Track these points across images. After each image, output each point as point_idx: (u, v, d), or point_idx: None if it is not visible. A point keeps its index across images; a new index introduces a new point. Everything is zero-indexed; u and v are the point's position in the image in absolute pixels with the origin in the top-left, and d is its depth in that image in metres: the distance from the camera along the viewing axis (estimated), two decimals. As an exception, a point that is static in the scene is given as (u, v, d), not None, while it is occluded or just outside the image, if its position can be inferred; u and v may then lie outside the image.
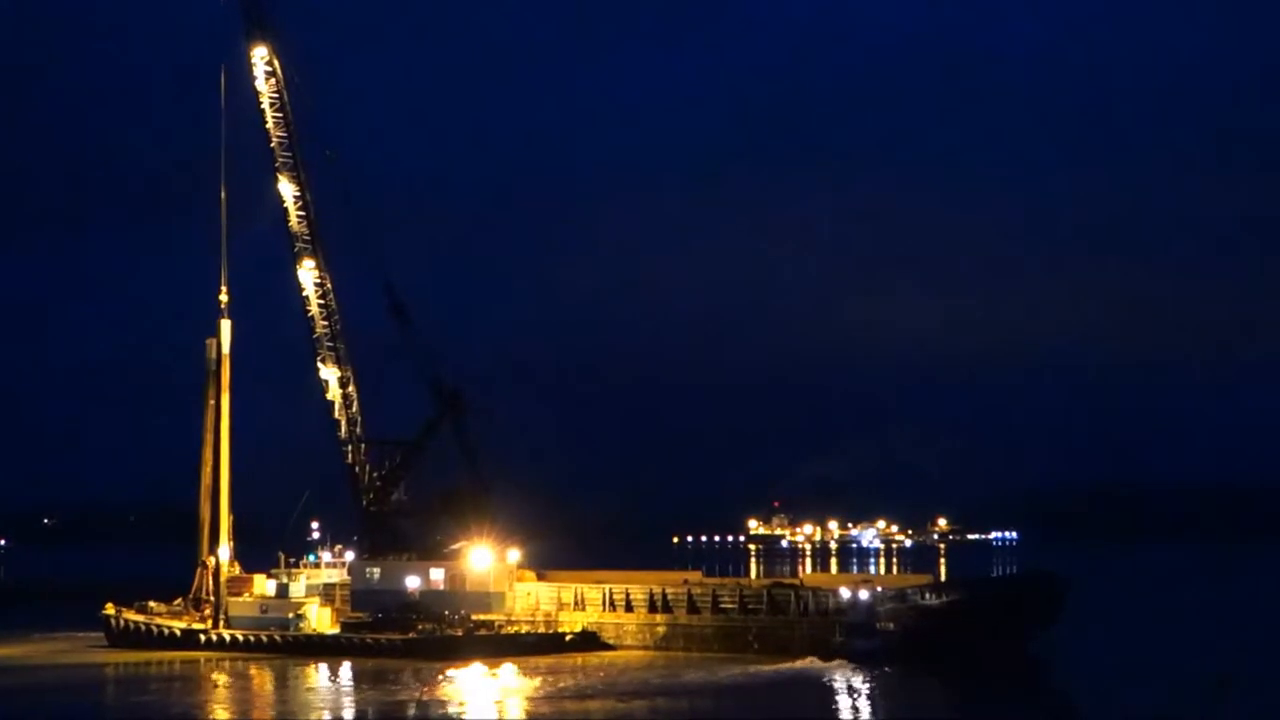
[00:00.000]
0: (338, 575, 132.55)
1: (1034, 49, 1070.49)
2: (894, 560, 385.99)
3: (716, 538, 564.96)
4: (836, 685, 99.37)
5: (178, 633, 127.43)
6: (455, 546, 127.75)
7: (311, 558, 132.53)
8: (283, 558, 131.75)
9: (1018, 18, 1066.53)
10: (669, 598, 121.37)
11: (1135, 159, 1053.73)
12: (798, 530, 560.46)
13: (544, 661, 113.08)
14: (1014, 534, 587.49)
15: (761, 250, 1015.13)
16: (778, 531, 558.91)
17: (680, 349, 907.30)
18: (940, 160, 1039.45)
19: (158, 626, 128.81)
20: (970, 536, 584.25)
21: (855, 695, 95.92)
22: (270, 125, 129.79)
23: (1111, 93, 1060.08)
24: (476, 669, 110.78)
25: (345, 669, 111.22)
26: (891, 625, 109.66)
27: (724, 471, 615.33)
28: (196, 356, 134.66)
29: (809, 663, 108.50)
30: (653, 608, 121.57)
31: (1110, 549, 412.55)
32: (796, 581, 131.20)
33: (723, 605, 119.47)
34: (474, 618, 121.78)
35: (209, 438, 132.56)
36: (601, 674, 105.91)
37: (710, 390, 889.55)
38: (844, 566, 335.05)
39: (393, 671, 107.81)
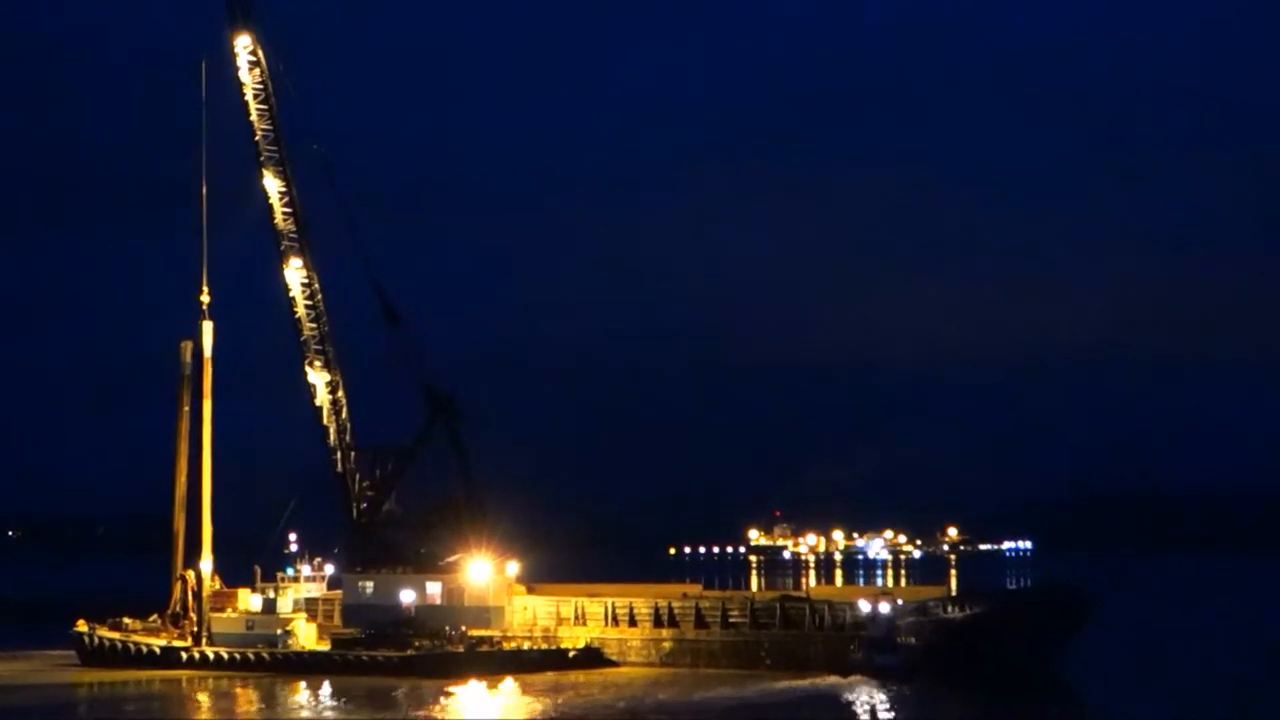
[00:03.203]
0: (317, 589, 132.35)
1: (1053, 40, 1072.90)
2: (902, 572, 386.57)
3: (715, 549, 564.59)
4: (857, 703, 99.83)
5: (157, 650, 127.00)
6: (452, 559, 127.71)
7: (289, 571, 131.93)
8: (258, 571, 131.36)
9: (1038, 8, 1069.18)
10: (675, 612, 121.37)
11: (1154, 156, 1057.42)
12: (800, 541, 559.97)
13: (546, 679, 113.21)
14: (1028, 544, 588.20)
15: (762, 250, 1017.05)
16: (779, 542, 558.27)
17: (678, 353, 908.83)
18: (953, 157, 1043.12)
19: (134, 644, 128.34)
20: (982, 547, 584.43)
21: (877, 713, 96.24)
22: (254, 118, 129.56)
23: (1132, 86, 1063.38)
24: (475, 688, 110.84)
25: (338, 688, 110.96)
26: (913, 640, 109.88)
27: (723, 480, 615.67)
28: (171, 360, 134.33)
29: (827, 679, 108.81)
30: (658, 622, 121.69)
31: (1129, 559, 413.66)
32: (803, 594, 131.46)
33: (732, 620, 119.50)
34: (471, 633, 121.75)
35: (183, 445, 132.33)
36: (608, 693, 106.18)
37: (710, 396, 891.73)
38: (850, 578, 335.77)
39: (388, 690, 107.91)
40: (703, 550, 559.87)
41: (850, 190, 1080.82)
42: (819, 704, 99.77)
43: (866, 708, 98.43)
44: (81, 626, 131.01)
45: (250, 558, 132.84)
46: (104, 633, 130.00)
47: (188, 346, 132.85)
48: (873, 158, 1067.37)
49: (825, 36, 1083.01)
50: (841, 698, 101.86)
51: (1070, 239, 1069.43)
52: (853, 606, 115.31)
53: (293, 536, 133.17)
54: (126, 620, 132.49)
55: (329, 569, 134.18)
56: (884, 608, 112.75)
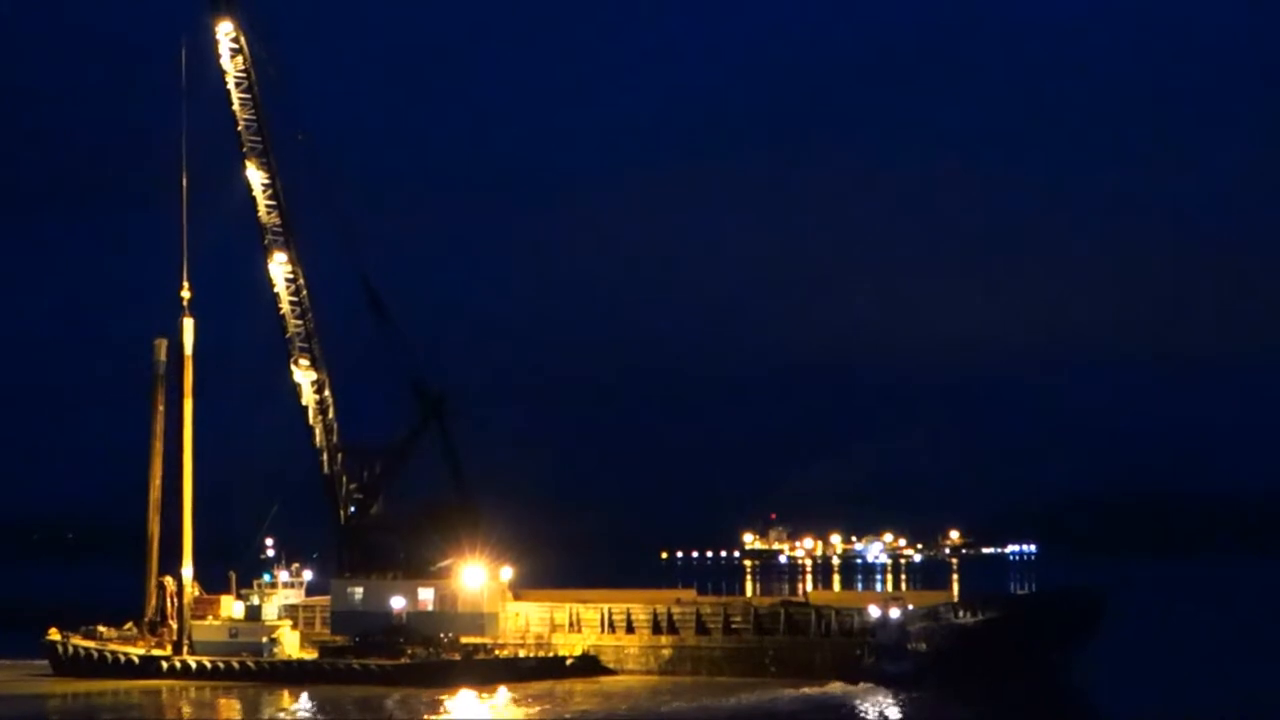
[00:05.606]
0: (296, 596, 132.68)
1: (1073, 27, 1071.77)
2: (903, 576, 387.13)
3: (709, 553, 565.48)
4: (866, 711, 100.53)
5: (135, 660, 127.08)
6: (444, 564, 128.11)
7: (267, 577, 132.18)
8: (234, 577, 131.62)
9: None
10: (674, 618, 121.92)
11: (1168, 153, 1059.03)
12: (797, 544, 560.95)
13: (541, 688, 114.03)
14: (1032, 547, 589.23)
15: (758, 250, 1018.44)
16: (775, 546, 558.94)
17: (673, 354, 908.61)
18: (954, 154, 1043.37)
19: (111, 653, 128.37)
20: (985, 550, 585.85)
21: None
22: (236, 107, 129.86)
23: (1138, 80, 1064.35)
24: (468, 696, 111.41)
25: (328, 698, 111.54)
26: (923, 646, 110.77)
27: (718, 483, 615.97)
28: (145, 358, 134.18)
29: (834, 687, 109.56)
30: (656, 629, 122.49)
31: (1135, 563, 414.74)
32: (803, 599, 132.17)
33: (735, 626, 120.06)
34: (462, 640, 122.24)
35: (158, 446, 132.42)
36: (609, 702, 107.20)
37: (704, 396, 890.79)
38: (848, 583, 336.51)
39: (379, 700, 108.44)
40: (696, 555, 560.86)
41: (849, 188, 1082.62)
42: (829, 712, 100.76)
43: (878, 715, 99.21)
44: (54, 635, 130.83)
45: (226, 563, 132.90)
46: (78, 641, 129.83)
47: (162, 344, 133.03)
48: (873, 155, 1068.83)
49: (822, 32, 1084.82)
50: (852, 705, 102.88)
51: (1079, 235, 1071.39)
52: (861, 612, 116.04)
53: (269, 541, 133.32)
54: (101, 628, 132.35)
55: (307, 575, 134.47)
56: (894, 613, 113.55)
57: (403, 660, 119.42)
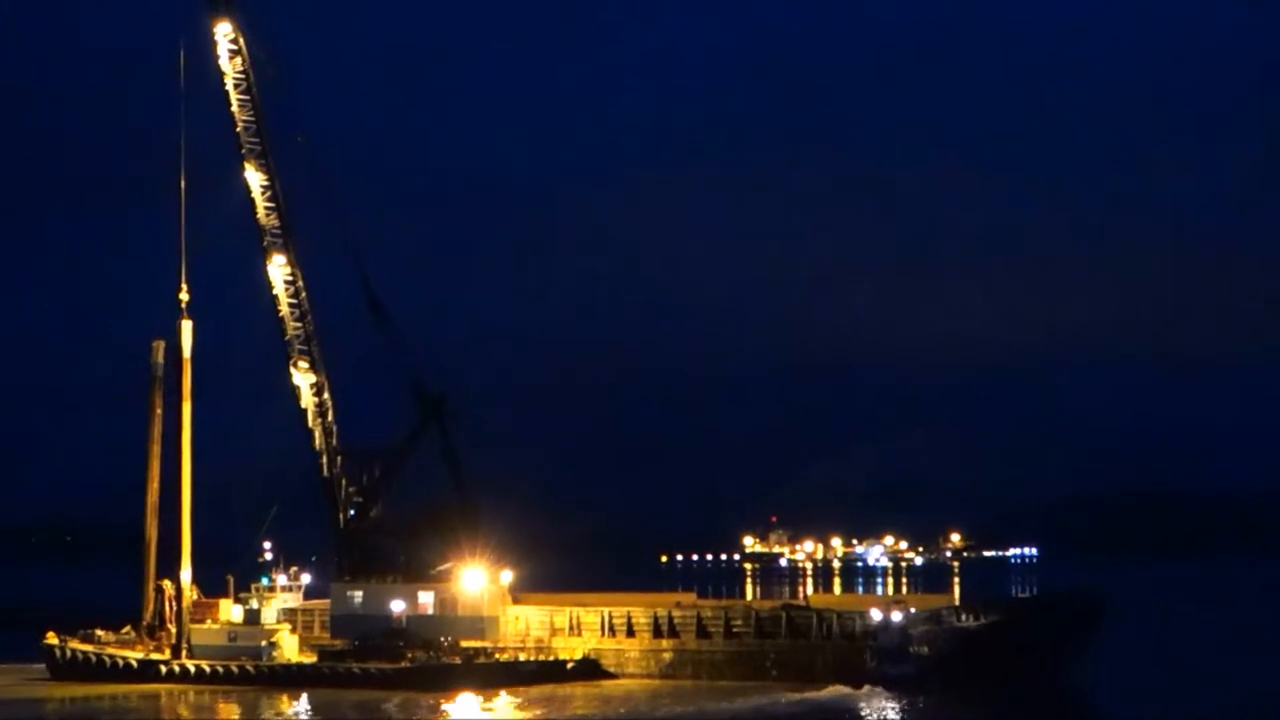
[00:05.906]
0: (294, 599, 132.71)
1: (1073, 27, 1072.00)
2: (904, 579, 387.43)
3: (708, 556, 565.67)
4: (868, 714, 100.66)
5: (134, 664, 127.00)
6: (444, 567, 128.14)
7: (265, 581, 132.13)
8: (232, 581, 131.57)
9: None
10: (675, 621, 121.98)
11: (1171, 152, 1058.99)
12: (798, 548, 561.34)
13: (542, 692, 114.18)
14: (1034, 550, 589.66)
15: (758, 252, 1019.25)
16: (775, 549, 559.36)
17: (673, 351, 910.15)
18: (955, 155, 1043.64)
19: (109, 657, 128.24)
20: (986, 553, 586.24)
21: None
22: (235, 108, 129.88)
23: (1151, 74, 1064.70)
24: (468, 700, 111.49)
25: (327, 702, 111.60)
26: (925, 649, 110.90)
27: (717, 483, 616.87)
28: (143, 360, 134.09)
29: (836, 690, 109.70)
30: (657, 632, 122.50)
31: (1135, 563, 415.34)
32: (803, 603, 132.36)
33: (736, 629, 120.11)
34: (462, 644, 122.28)
35: (155, 449, 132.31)
36: (607, 705, 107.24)
37: (704, 396, 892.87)
38: (849, 586, 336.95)
39: (379, 704, 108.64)
40: (695, 558, 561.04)
41: (849, 188, 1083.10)
42: (830, 715, 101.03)
43: (879, 719, 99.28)
44: (52, 639, 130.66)
45: (225, 567, 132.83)
46: (76, 645, 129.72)
47: (160, 346, 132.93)
48: (873, 155, 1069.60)
49: (823, 32, 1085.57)
50: (853, 709, 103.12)
51: (1079, 235, 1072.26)
52: (863, 615, 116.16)
53: (268, 545, 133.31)
54: (99, 632, 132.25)
55: (306, 578, 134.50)
56: (896, 616, 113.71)
57: (402, 664, 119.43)
